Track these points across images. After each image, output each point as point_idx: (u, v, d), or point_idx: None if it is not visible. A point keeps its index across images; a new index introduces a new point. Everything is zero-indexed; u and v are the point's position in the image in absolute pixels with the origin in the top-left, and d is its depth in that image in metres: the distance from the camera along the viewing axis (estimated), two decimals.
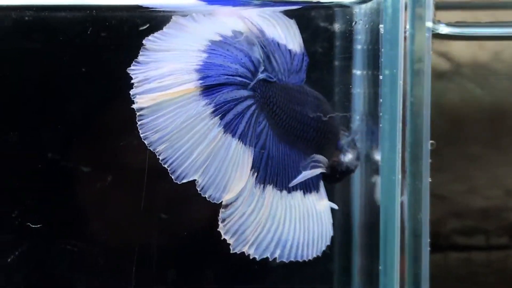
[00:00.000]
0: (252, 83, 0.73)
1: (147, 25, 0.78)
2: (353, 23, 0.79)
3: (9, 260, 0.82)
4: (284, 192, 0.76)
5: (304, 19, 0.82)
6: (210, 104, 0.72)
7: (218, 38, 0.73)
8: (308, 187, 0.77)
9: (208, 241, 0.85)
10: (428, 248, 0.74)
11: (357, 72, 0.82)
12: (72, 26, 0.78)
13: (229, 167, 0.72)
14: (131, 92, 0.71)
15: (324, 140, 0.79)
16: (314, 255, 0.77)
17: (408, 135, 0.74)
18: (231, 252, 0.74)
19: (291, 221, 0.76)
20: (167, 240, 0.85)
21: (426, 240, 0.74)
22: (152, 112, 0.71)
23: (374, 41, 0.79)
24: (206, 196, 0.72)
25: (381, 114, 0.74)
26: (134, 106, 0.71)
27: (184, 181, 0.72)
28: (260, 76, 0.74)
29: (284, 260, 0.75)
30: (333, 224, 0.85)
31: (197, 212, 0.84)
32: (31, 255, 0.83)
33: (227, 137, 0.72)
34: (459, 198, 0.97)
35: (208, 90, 0.71)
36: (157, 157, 0.71)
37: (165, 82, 0.71)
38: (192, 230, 0.85)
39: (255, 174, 0.74)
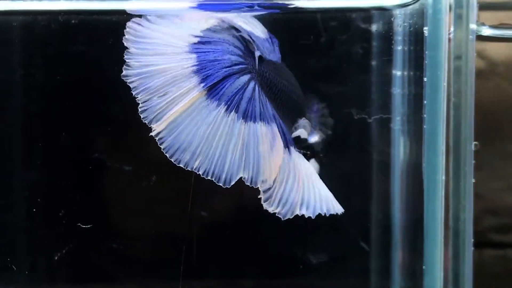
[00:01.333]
0: (256, 64, 0.74)
1: None
2: (399, 26, 0.80)
3: (56, 258, 0.84)
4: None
5: (345, 21, 0.83)
6: (221, 103, 0.72)
7: (194, 39, 0.73)
8: None
9: (250, 237, 0.86)
10: (472, 249, 0.75)
11: (397, 72, 0.83)
12: (117, 29, 0.79)
13: (264, 149, 0.73)
14: (141, 116, 0.72)
15: (299, 117, 0.80)
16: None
17: (451, 136, 0.75)
18: (283, 219, 0.75)
19: (319, 176, 0.78)
20: (211, 236, 0.86)
21: (469, 240, 0.75)
22: (170, 132, 0.72)
23: (416, 43, 0.79)
24: (258, 186, 0.73)
25: (424, 115, 0.75)
26: (152, 134, 0.72)
27: (233, 183, 0.73)
28: (257, 54, 0.75)
29: (334, 213, 0.76)
30: (372, 222, 0.87)
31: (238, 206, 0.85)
32: (77, 252, 0.84)
33: (250, 125, 0.73)
34: (495, 195, 0.98)
35: (213, 89, 0.72)
36: (198, 173, 0.72)
37: (170, 96, 0.72)
38: (234, 225, 0.86)
39: None
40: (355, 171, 0.87)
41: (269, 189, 0.74)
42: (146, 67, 0.72)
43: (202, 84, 0.72)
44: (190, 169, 0.72)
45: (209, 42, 0.74)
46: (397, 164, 0.84)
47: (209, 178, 0.73)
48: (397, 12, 0.81)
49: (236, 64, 0.74)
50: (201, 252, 0.85)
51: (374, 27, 0.83)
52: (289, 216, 0.75)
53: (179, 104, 0.72)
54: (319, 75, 0.84)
